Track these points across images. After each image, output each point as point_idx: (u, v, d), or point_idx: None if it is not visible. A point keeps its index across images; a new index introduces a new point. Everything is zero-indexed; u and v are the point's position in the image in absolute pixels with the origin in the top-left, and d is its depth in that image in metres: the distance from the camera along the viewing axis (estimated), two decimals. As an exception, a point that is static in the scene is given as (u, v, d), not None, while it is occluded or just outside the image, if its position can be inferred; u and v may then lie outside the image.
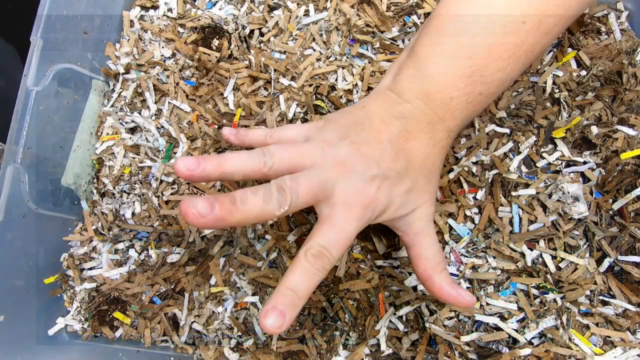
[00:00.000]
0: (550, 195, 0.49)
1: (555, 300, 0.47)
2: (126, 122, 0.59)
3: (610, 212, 0.50)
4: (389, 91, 0.42)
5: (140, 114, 0.59)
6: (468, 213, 0.50)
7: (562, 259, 0.48)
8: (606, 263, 0.48)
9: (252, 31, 0.60)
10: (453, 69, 0.39)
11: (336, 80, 0.56)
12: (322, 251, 0.33)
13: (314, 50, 0.57)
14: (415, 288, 0.49)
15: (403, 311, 0.48)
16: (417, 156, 0.39)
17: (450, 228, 0.50)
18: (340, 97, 0.54)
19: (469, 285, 0.49)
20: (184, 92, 0.58)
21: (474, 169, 0.51)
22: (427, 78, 0.40)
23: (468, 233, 0.50)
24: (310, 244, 0.34)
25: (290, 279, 0.32)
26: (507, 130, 0.52)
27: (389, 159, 0.37)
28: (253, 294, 0.51)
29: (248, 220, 0.32)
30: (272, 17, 0.60)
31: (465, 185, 0.51)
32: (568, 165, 0.51)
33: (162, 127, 0.58)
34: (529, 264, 0.48)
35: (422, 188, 0.40)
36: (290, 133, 0.42)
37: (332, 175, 0.35)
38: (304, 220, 0.52)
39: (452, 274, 0.48)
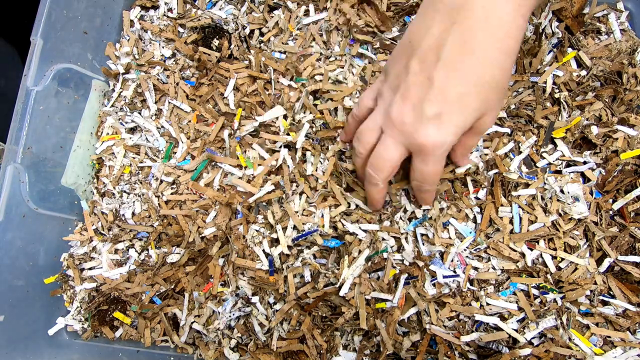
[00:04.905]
0: (550, 197, 0.49)
1: (555, 300, 0.47)
2: (126, 122, 0.59)
3: (610, 212, 0.50)
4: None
5: (140, 114, 0.59)
6: (469, 213, 0.50)
7: (562, 259, 0.48)
8: (606, 263, 0.48)
9: (252, 31, 0.60)
10: None
11: (336, 80, 0.56)
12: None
13: (314, 50, 0.57)
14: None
15: (403, 311, 0.48)
16: (482, 72, 0.35)
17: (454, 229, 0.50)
18: (343, 97, 0.54)
19: (470, 286, 0.49)
20: (184, 92, 0.58)
21: (480, 165, 0.50)
22: None
23: (470, 232, 0.50)
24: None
25: None
26: (508, 130, 0.52)
27: (445, 92, 0.35)
28: (253, 294, 0.51)
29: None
30: (272, 17, 0.60)
31: (470, 186, 0.50)
32: (568, 165, 0.51)
33: (162, 127, 0.58)
34: (529, 264, 0.48)
35: (492, 103, 0.37)
36: (364, 104, 0.44)
37: (400, 137, 0.38)
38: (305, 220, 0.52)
39: (452, 276, 0.48)
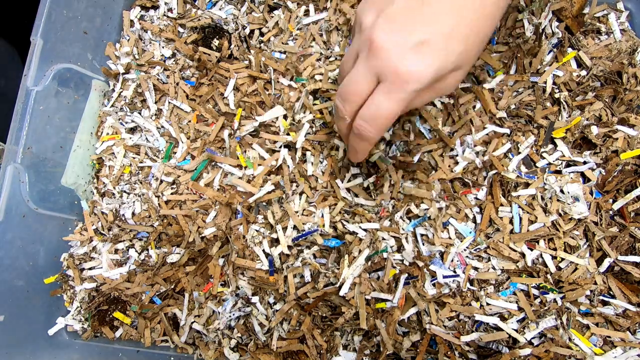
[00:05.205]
0: (550, 197, 0.49)
1: (555, 300, 0.47)
2: (126, 122, 0.59)
3: (610, 212, 0.50)
4: None
5: (140, 114, 0.59)
6: (469, 213, 0.50)
7: (562, 259, 0.48)
8: (606, 263, 0.48)
9: (252, 31, 0.60)
10: None
11: (336, 80, 0.56)
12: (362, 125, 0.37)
13: (314, 50, 0.57)
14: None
15: (403, 311, 0.48)
16: (476, 18, 0.33)
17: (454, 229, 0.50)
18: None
19: (470, 286, 0.49)
20: (184, 92, 0.58)
21: (477, 161, 0.50)
22: None
23: (470, 232, 0.50)
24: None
25: None
26: (507, 131, 0.52)
27: (435, 21, 0.33)
28: (253, 294, 0.51)
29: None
30: (272, 17, 0.60)
31: (470, 183, 0.51)
32: (568, 165, 0.51)
33: (162, 127, 0.58)
34: (529, 264, 0.48)
35: (470, 57, 0.35)
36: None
37: (374, 62, 0.34)
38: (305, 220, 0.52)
39: (452, 276, 0.48)
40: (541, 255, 0.49)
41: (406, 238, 0.50)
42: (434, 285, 0.49)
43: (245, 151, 0.55)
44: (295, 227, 0.51)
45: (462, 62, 0.35)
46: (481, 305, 0.48)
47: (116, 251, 0.57)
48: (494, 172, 0.50)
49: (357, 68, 0.35)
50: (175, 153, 0.57)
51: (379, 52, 0.33)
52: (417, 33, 0.32)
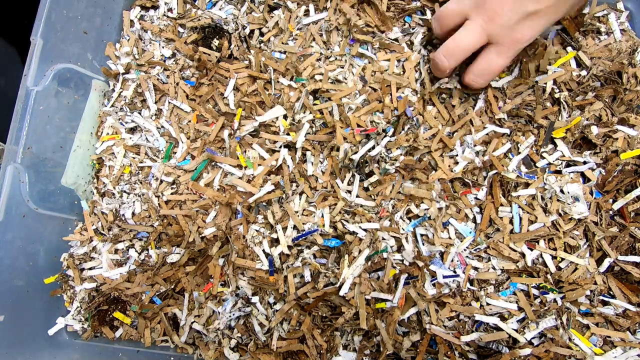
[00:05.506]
0: (550, 197, 0.49)
1: (555, 300, 0.47)
2: (126, 122, 0.59)
3: (610, 212, 0.50)
4: None
5: (140, 114, 0.59)
6: (469, 213, 0.50)
7: (562, 259, 0.48)
8: (606, 263, 0.48)
9: (252, 31, 0.60)
10: None
11: (336, 79, 0.56)
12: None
13: (314, 50, 0.57)
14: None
15: (403, 311, 0.48)
16: None
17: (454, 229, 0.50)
18: (341, 97, 0.54)
19: (470, 286, 0.49)
20: (184, 92, 0.58)
21: (477, 161, 0.50)
22: None
23: (470, 232, 0.50)
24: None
25: None
26: (507, 131, 0.52)
27: None
28: (253, 294, 0.51)
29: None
30: (272, 17, 0.60)
31: (470, 183, 0.51)
32: (568, 165, 0.51)
33: (162, 127, 0.58)
34: (529, 264, 0.48)
35: (570, 10, 0.43)
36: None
37: (488, 25, 0.40)
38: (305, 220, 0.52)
39: (452, 276, 0.48)
40: (541, 255, 0.49)
41: (406, 238, 0.50)
42: (434, 285, 0.49)
43: (245, 151, 0.55)
44: (295, 227, 0.51)
45: (563, 14, 0.41)
46: (481, 305, 0.48)
47: (116, 251, 0.57)
48: (494, 172, 0.50)
49: (469, 29, 0.41)
50: (175, 153, 0.57)
51: (495, 19, 0.39)
52: (532, 4, 0.38)
